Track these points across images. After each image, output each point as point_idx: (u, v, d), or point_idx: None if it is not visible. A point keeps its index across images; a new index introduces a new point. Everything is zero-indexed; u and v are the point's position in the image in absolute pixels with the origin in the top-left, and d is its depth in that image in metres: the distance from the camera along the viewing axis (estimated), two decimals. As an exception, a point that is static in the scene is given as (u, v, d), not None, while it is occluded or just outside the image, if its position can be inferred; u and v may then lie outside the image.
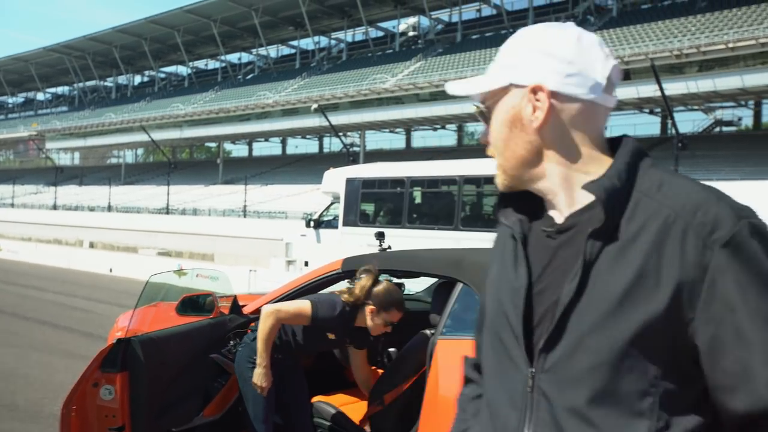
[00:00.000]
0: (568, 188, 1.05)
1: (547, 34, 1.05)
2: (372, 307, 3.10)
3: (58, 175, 58.06)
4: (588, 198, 1.01)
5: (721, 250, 0.90)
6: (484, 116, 1.13)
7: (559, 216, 1.06)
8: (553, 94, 1.03)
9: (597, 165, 1.04)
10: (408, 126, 46.15)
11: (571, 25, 1.06)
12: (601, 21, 37.14)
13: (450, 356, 2.82)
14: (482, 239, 10.94)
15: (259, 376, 3.02)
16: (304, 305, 3.05)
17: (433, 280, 3.59)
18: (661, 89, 23.63)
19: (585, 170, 1.04)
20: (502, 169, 1.13)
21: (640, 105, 35.08)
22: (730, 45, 27.61)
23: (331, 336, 3.15)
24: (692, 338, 0.92)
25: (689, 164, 29.18)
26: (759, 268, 0.89)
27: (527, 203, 1.12)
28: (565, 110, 1.04)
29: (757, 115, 38.68)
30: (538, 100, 1.04)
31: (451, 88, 1.15)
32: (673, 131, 25.58)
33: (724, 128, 39.91)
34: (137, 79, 70.82)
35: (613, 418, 0.93)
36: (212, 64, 64.33)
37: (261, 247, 23.50)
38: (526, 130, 1.06)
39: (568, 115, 1.04)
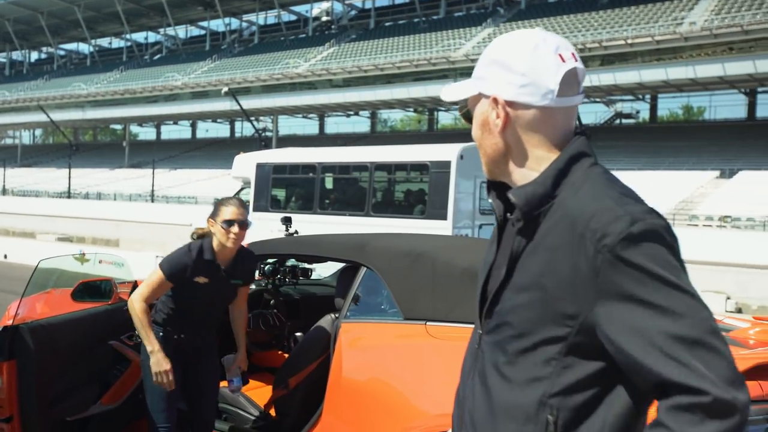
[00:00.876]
0: None
1: (507, 47, 1.20)
2: (209, 220, 3.04)
3: (-54, 156, 54.29)
4: None
5: (609, 255, 1.04)
6: (468, 118, 1.30)
7: None
8: (510, 104, 1.19)
9: (547, 165, 1.19)
10: (321, 112, 45.91)
11: (533, 35, 1.19)
12: (510, 13, 38.10)
13: (353, 339, 2.86)
14: (393, 226, 11.08)
15: (155, 364, 2.91)
16: (154, 271, 2.98)
17: (342, 264, 3.62)
18: (566, 81, 24.54)
19: (538, 169, 1.19)
20: (483, 164, 1.28)
21: (546, 96, 36.28)
22: (629, 41, 28.97)
23: (202, 279, 3.00)
24: (592, 328, 1.08)
25: (591, 154, 30.51)
26: (642, 268, 1.03)
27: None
28: (522, 116, 1.19)
29: (654, 109, 40.80)
30: (498, 108, 1.20)
31: (443, 94, 1.31)
32: (577, 122, 26.63)
33: (624, 120, 41.88)
34: (34, 55, 66.94)
35: (522, 378, 1.15)
36: (117, 43, 61.60)
37: (169, 233, 22.82)
38: (492, 133, 1.22)
39: (524, 120, 1.19)
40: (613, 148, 32.65)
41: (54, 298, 3.57)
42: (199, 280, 2.99)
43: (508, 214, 1.24)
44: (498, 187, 1.27)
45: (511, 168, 1.22)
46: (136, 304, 2.89)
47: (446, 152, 11.51)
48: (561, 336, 1.10)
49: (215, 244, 3.03)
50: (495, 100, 1.20)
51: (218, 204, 3.08)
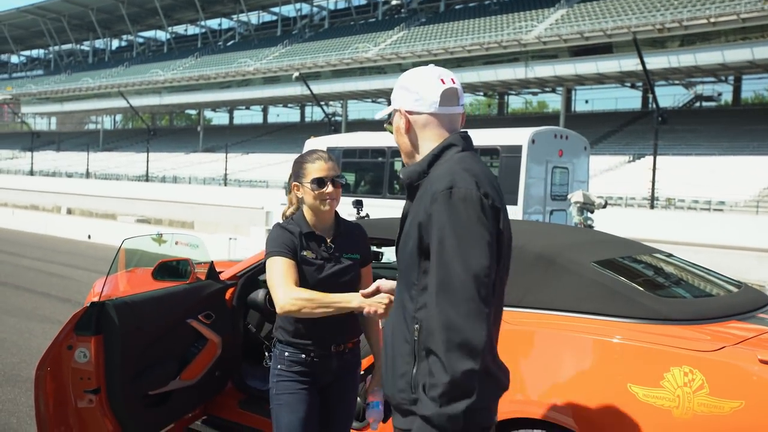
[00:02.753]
0: None
1: (408, 78, 1.82)
2: (294, 184, 2.52)
3: (35, 140, 57.14)
4: None
5: (433, 203, 1.59)
6: (390, 129, 1.89)
7: None
8: (409, 112, 1.79)
9: None
10: (390, 96, 45.91)
11: (424, 69, 1.81)
12: (586, -7, 36.96)
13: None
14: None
15: (368, 304, 2.14)
16: (269, 267, 2.39)
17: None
18: (643, 63, 23.68)
19: None
20: (402, 157, 1.88)
21: (621, 78, 35.13)
22: (712, 20, 27.69)
23: (309, 254, 2.44)
24: None
25: (669, 138, 29.40)
26: (446, 213, 1.55)
27: None
28: (417, 120, 1.79)
29: (737, 91, 38.95)
30: (402, 116, 1.80)
31: (377, 115, 1.99)
32: (654, 105, 25.69)
33: (704, 103, 40.18)
34: (115, 43, 69.54)
35: (404, 298, 1.72)
36: (192, 30, 63.30)
37: (241, 216, 23.40)
38: (402, 135, 1.83)
39: (419, 123, 1.79)
40: (692, 132, 31.39)
41: (136, 277, 3.72)
42: (307, 254, 2.43)
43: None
44: None
45: (416, 158, 1.79)
46: (287, 300, 2.26)
47: (517, 136, 11.32)
48: (418, 264, 1.64)
49: (306, 213, 2.51)
50: (400, 111, 1.81)
51: (301, 162, 2.51)
